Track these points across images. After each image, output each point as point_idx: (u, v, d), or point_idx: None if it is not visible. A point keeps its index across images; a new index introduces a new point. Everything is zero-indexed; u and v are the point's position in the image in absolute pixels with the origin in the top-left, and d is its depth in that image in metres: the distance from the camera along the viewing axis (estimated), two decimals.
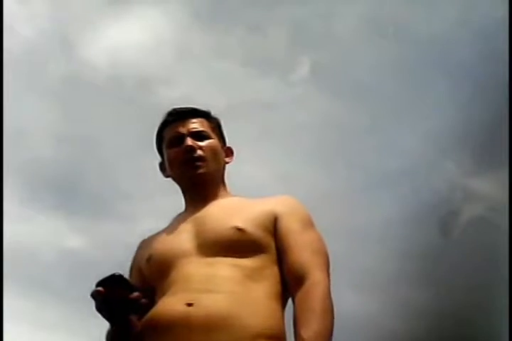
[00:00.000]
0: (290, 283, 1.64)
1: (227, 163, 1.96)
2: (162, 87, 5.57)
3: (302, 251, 1.65)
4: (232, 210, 1.78)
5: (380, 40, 5.25)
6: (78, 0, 5.48)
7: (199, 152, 1.86)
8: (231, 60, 5.61)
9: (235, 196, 1.91)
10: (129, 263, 1.91)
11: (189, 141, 1.86)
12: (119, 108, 5.50)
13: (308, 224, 1.74)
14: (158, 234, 1.88)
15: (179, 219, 1.87)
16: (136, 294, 1.55)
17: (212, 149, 1.89)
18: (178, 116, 1.93)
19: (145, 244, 1.88)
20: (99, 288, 1.54)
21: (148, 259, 1.77)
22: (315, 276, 1.60)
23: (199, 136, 1.89)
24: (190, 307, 1.54)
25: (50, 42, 5.67)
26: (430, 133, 4.53)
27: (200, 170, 1.84)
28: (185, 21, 5.64)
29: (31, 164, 5.36)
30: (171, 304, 1.59)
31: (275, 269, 1.68)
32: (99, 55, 5.72)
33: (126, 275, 1.63)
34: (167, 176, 1.95)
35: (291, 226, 1.71)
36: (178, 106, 1.97)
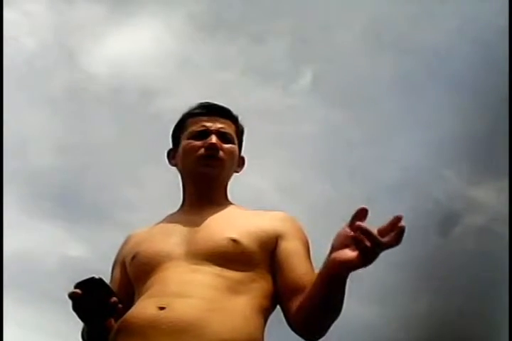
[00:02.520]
0: (289, 291, 1.60)
1: (237, 172, 1.90)
2: (163, 96, 5.59)
3: (307, 272, 1.61)
4: (229, 220, 1.74)
5: (381, 51, 5.28)
6: (80, 11, 5.51)
7: (220, 153, 1.79)
8: (232, 71, 5.63)
9: (233, 205, 1.85)
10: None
11: (214, 139, 1.80)
12: (120, 118, 5.52)
13: (308, 250, 1.70)
14: (147, 230, 1.83)
15: (172, 219, 1.82)
16: (113, 299, 1.53)
17: (232, 154, 1.83)
18: (209, 110, 1.86)
19: (132, 239, 1.83)
20: (76, 290, 1.51)
21: (134, 257, 1.72)
22: None
23: (224, 137, 1.83)
24: (162, 311, 1.52)
25: (52, 53, 5.70)
26: (431, 143, 4.54)
27: (215, 170, 1.79)
28: (187, 32, 5.67)
29: (33, 173, 5.37)
30: (144, 307, 1.56)
31: (263, 284, 1.64)
32: (100, 66, 5.74)
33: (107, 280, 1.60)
34: (173, 165, 1.89)
35: (295, 247, 1.67)
36: (210, 101, 1.90)
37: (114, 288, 1.72)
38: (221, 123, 1.84)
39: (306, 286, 1.56)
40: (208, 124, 1.83)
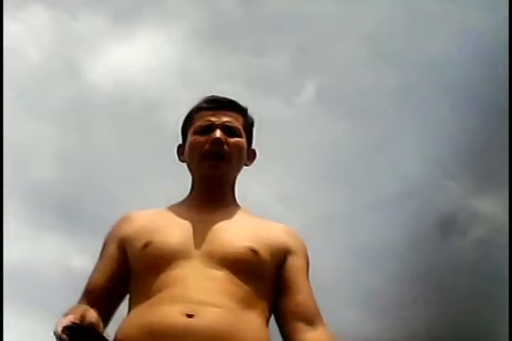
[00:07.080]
0: (298, 319, 1.61)
1: (247, 165, 1.86)
2: (166, 108, 5.61)
3: (309, 295, 1.64)
4: (246, 228, 1.71)
5: (382, 63, 5.30)
6: (83, 23, 5.55)
7: (226, 147, 1.75)
8: (235, 83, 5.66)
9: (241, 207, 1.82)
10: None
11: (219, 133, 1.76)
12: (122, 129, 5.55)
13: (308, 269, 1.72)
14: (153, 217, 1.77)
15: (181, 213, 1.76)
16: None
17: (238, 148, 1.78)
18: (215, 104, 1.82)
19: (136, 221, 1.77)
20: (64, 337, 1.41)
21: (146, 246, 1.65)
22: (325, 327, 1.61)
23: (230, 131, 1.78)
24: (191, 319, 1.50)
25: (55, 65, 5.73)
26: (432, 154, 4.55)
27: (220, 172, 1.76)
28: (189, 44, 5.70)
29: (35, 184, 5.39)
30: (170, 314, 1.53)
31: (267, 298, 1.64)
32: (103, 77, 5.77)
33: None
34: (182, 161, 1.85)
35: (301, 265, 1.68)
36: (217, 94, 1.86)
37: (109, 264, 1.69)
38: (227, 116, 1.80)
39: (314, 314, 1.61)
40: (213, 119, 1.79)
